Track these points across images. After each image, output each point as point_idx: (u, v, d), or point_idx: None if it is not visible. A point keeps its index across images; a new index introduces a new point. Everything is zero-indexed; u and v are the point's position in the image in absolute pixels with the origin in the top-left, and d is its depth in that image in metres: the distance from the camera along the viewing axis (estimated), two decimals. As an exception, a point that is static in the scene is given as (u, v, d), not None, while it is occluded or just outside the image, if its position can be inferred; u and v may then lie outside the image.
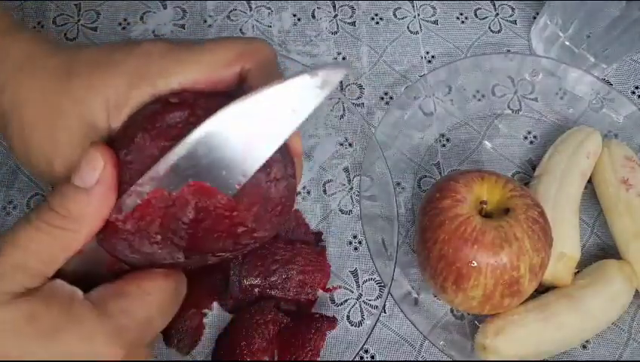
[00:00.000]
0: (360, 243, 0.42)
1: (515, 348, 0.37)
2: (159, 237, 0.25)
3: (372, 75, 0.49)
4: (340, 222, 0.43)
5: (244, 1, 0.51)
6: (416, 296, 0.41)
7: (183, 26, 0.50)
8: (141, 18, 0.50)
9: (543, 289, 0.39)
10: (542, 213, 0.36)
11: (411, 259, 0.42)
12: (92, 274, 0.26)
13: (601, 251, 0.43)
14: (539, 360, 0.38)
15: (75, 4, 0.50)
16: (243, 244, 0.27)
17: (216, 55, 0.26)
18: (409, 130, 0.45)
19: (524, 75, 0.47)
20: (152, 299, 0.26)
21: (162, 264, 0.27)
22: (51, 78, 0.26)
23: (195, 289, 0.35)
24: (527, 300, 0.37)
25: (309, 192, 0.44)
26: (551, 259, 0.36)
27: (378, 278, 0.41)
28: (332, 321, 0.38)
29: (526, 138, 0.47)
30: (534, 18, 0.51)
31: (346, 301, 0.40)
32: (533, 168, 0.45)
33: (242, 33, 0.50)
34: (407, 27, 0.51)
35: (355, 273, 0.41)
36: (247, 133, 0.24)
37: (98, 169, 0.24)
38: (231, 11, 0.51)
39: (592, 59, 0.47)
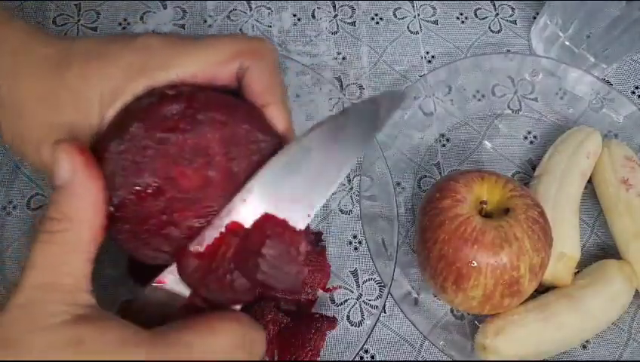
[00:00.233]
0: (360, 243, 0.42)
1: (515, 348, 0.36)
2: (235, 272, 0.25)
3: (372, 75, 0.49)
4: (340, 222, 0.43)
5: (244, 1, 0.51)
6: (416, 296, 0.41)
7: (182, 26, 0.50)
8: (141, 18, 0.50)
9: (543, 289, 0.39)
10: (542, 213, 0.36)
11: (411, 259, 0.42)
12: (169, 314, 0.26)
13: (601, 251, 0.43)
14: (539, 360, 0.38)
15: (75, 4, 0.50)
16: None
17: (216, 50, 0.26)
18: (409, 130, 0.45)
19: (524, 75, 0.47)
20: (216, 339, 0.24)
21: (237, 299, 0.27)
22: (47, 65, 0.26)
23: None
24: (527, 300, 0.37)
25: (309, 192, 0.44)
26: (551, 259, 0.36)
27: (378, 278, 0.41)
28: (332, 321, 0.38)
29: (526, 138, 0.47)
30: (534, 18, 0.51)
31: (346, 301, 0.40)
32: (533, 168, 0.45)
33: (242, 33, 0.50)
34: (407, 27, 0.51)
35: (355, 273, 0.41)
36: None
37: (67, 162, 0.23)
38: (231, 11, 0.51)
39: (592, 59, 0.47)
